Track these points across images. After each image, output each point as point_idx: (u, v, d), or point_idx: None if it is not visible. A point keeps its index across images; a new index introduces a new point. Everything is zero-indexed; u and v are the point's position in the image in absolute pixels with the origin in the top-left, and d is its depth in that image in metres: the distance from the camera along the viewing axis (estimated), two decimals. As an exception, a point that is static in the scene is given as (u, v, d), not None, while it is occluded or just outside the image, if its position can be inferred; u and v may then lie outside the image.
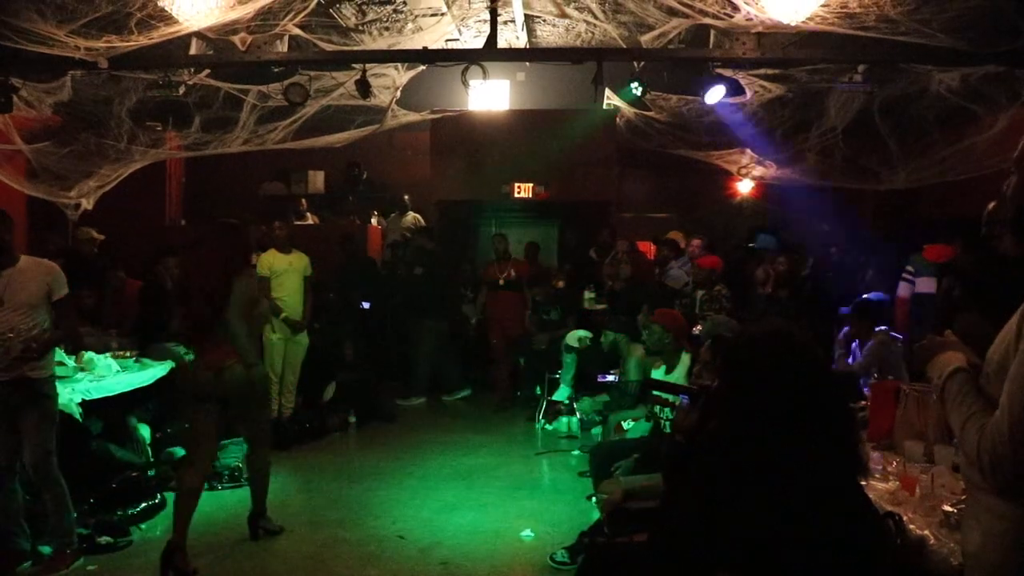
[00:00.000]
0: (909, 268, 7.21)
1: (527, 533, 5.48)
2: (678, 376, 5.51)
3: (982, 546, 2.21)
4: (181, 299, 5.22)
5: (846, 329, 6.62)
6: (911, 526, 2.98)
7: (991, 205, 5.39)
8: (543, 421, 8.49)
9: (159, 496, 5.85)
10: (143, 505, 5.68)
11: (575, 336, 8.37)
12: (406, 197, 11.60)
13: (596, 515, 5.08)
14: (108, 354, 6.43)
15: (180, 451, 6.54)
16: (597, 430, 7.59)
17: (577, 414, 8.19)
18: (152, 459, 6.39)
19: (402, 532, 5.51)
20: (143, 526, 5.55)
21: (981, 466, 2.12)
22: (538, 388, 8.90)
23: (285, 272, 8.01)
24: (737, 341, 2.43)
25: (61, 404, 4.98)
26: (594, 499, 5.37)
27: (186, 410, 5.46)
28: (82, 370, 5.98)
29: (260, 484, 5.50)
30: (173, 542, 4.71)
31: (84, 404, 5.44)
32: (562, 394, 8.44)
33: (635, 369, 7.39)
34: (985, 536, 2.20)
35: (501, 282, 9.79)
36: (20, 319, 4.57)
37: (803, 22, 6.33)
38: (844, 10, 6.01)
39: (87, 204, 9.03)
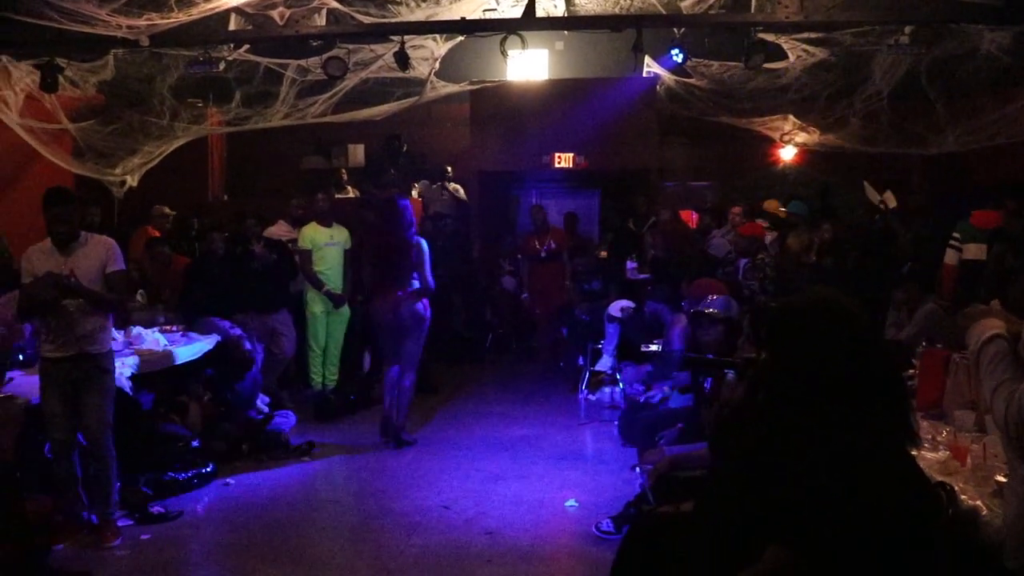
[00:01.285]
0: (956, 235, 7.05)
1: (571, 503, 5.50)
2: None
3: (1019, 515, 2.18)
4: (374, 256, 6.94)
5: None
6: (963, 496, 2.93)
7: None
8: (586, 391, 8.49)
9: (210, 466, 5.95)
10: (195, 479, 5.78)
11: (618, 306, 8.33)
12: (448, 168, 11.58)
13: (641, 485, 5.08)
14: (155, 328, 6.55)
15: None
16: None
17: (620, 384, 8.17)
18: (203, 433, 6.48)
19: (447, 502, 5.55)
20: (191, 498, 5.65)
21: (1008, 434, 2.09)
22: (581, 358, 8.89)
23: (327, 245, 8.05)
24: (783, 311, 2.39)
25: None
26: (638, 469, 5.37)
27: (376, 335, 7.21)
28: (131, 344, 6.10)
29: (404, 400, 6.74)
30: None
31: (133, 378, 5.56)
32: (605, 364, 8.42)
33: (678, 339, 7.34)
34: (1020, 506, 2.17)
35: (542, 254, 9.77)
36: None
37: (848, -17, 6.20)
38: (891, -31, 5.87)
39: (132, 181, 9.17)
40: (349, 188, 11.92)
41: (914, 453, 2.43)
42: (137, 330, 6.25)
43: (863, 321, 2.17)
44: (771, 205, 9.69)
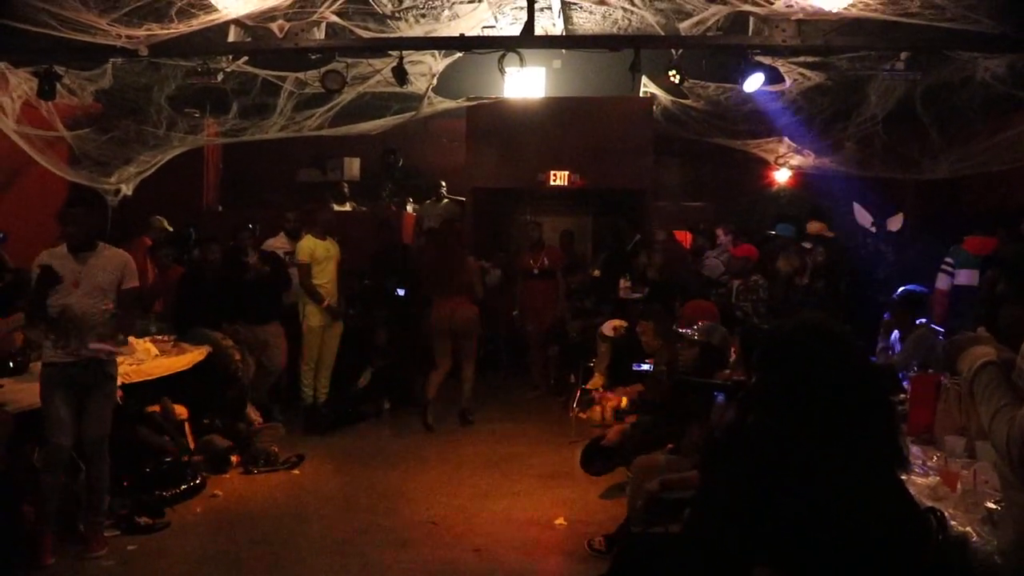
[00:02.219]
0: (949, 260, 7.08)
1: (560, 521, 5.48)
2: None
3: (1016, 543, 2.18)
4: (432, 270, 8.28)
5: (886, 316, 6.51)
6: (953, 522, 2.92)
7: None
8: (576, 410, 8.47)
9: (198, 478, 5.92)
10: (182, 487, 5.75)
11: (610, 325, 8.34)
12: (443, 184, 11.60)
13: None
14: (146, 338, 6.54)
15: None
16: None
17: (610, 403, 8.16)
18: (191, 446, 6.45)
19: (435, 518, 5.54)
20: (178, 510, 5.61)
21: (1011, 458, 2.09)
22: (572, 377, 8.88)
23: (325, 259, 8.03)
24: (773, 335, 2.39)
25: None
26: (626, 490, 5.35)
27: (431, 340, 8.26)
28: (121, 353, 6.07)
29: (468, 388, 8.19)
30: None
31: (123, 387, 5.53)
32: (596, 383, 8.41)
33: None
34: (1019, 533, 2.17)
35: (535, 271, 9.77)
36: (91, 303, 4.71)
37: (845, 8, 6.24)
38: (888, -4, 5.91)
39: (127, 190, 9.15)
40: (347, 203, 11.94)
41: (904, 478, 2.43)
42: (128, 339, 6.23)
43: (852, 345, 2.18)
44: (814, 227, 9.67)
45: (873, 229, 9.92)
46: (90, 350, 4.69)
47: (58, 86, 7.57)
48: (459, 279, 8.08)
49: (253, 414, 7.41)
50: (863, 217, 9.84)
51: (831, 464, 2.03)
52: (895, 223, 9.83)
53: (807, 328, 2.25)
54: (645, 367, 7.67)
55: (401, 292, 9.62)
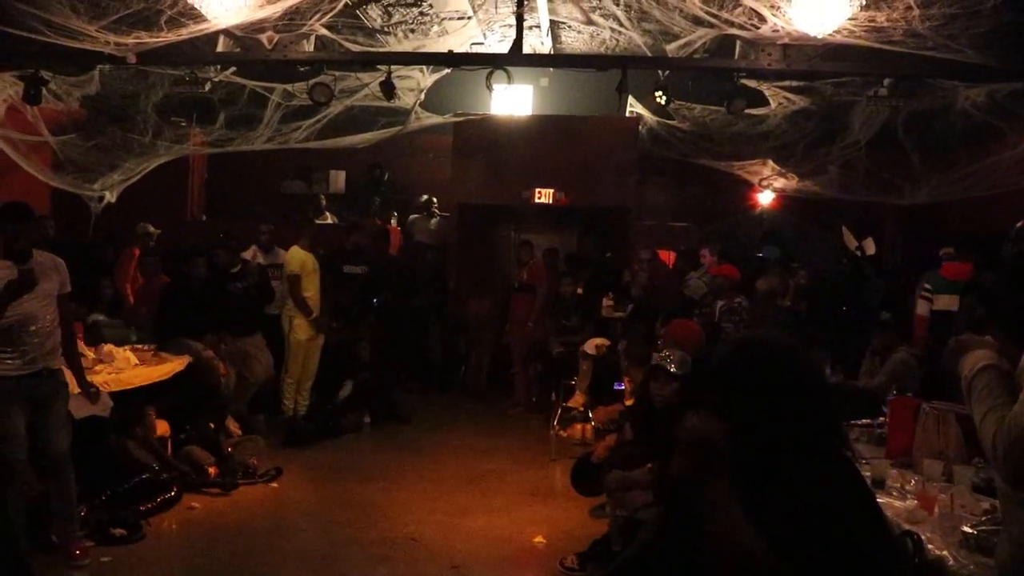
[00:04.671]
0: (927, 286, 7.15)
1: (539, 540, 5.47)
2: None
3: (1011, 556, 2.20)
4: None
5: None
6: (930, 546, 2.95)
7: (1021, 223, 5.34)
8: (557, 427, 8.47)
9: (174, 490, 5.87)
10: (158, 500, 5.68)
11: (592, 343, 8.35)
12: (434, 200, 11.61)
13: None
14: (127, 347, 6.49)
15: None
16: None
17: (592, 422, 8.16)
18: (169, 456, 6.38)
19: (414, 534, 5.51)
20: (154, 522, 5.55)
21: (995, 456, 2.11)
22: (553, 394, 8.88)
23: (314, 271, 8.01)
24: (710, 362, 2.36)
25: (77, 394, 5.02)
26: (606, 509, 5.34)
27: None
28: (100, 362, 6.03)
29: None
30: None
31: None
32: (577, 401, 8.42)
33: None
34: (1015, 546, 2.19)
35: (516, 285, 9.82)
36: (41, 310, 4.61)
37: (830, 35, 6.32)
38: (871, 24, 6.00)
39: (110, 197, 9.10)
40: (328, 214, 11.91)
41: (882, 501, 2.44)
42: (108, 348, 6.19)
43: (798, 362, 2.18)
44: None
45: (859, 252, 9.99)
46: (47, 358, 4.61)
47: (44, 91, 7.54)
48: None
49: (232, 426, 7.37)
50: (850, 240, 9.90)
51: (802, 491, 2.02)
52: (869, 247, 9.91)
53: (741, 347, 2.26)
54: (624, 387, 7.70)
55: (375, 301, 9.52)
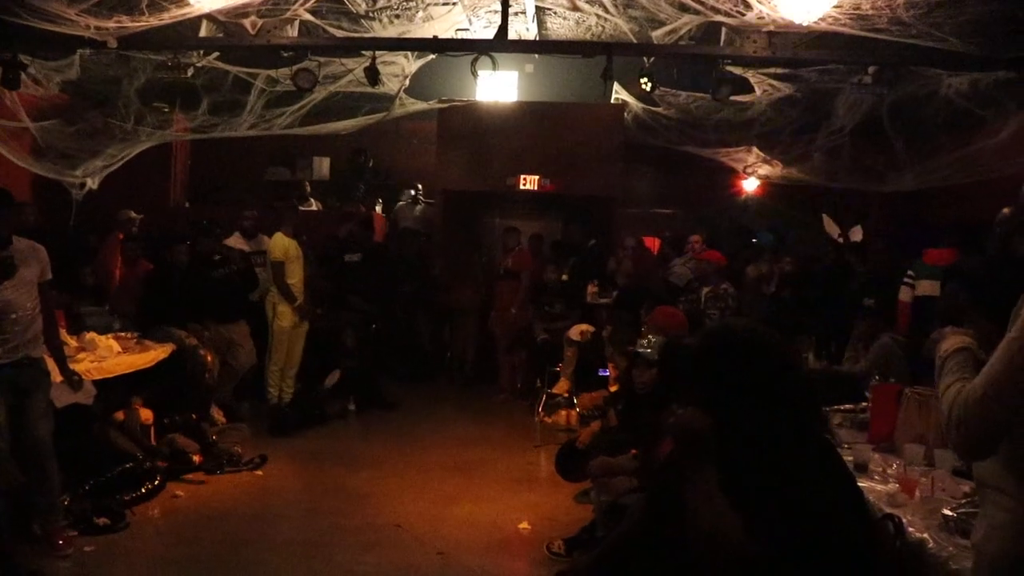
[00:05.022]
0: (910, 272, 7.19)
1: (524, 526, 5.49)
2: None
3: (985, 537, 2.24)
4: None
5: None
6: (910, 529, 2.98)
7: (1006, 210, 5.37)
8: (542, 414, 8.50)
9: (158, 478, 5.85)
10: (143, 489, 5.66)
11: (577, 330, 8.37)
12: (420, 187, 11.58)
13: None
14: (110, 335, 6.45)
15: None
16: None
17: (576, 408, 8.19)
18: (153, 444, 6.36)
19: (400, 522, 5.52)
20: (138, 510, 5.53)
21: (948, 423, 2.15)
22: (538, 381, 8.90)
23: (297, 258, 7.98)
24: (695, 351, 2.36)
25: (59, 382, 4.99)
26: (590, 494, 5.36)
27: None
28: (83, 350, 5.99)
29: None
30: None
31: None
32: (562, 387, 8.44)
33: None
34: (989, 528, 2.23)
35: (501, 271, 9.82)
36: (21, 298, 4.57)
37: (815, 22, 6.32)
38: (856, 11, 6.00)
39: (92, 184, 9.01)
40: (312, 201, 11.86)
41: (864, 485, 2.46)
42: (91, 336, 6.15)
43: (770, 349, 2.19)
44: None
45: (841, 240, 10.05)
46: (29, 347, 4.58)
47: (23, 75, 7.44)
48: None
49: (217, 414, 7.35)
50: (831, 228, 9.96)
51: (781, 475, 2.03)
52: (856, 234, 9.96)
53: (716, 335, 2.27)
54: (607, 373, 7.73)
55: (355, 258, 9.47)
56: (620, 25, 7.60)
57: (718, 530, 1.97)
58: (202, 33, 7.00)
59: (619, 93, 9.79)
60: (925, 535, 2.92)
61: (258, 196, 11.20)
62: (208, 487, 6.12)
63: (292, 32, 7.05)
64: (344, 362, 8.68)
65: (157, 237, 8.64)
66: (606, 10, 7.43)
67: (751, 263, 8.82)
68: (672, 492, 2.15)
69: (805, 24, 6.38)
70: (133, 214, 8.74)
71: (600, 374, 7.90)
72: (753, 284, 8.27)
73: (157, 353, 6.51)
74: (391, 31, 7.87)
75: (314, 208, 11.70)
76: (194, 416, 6.76)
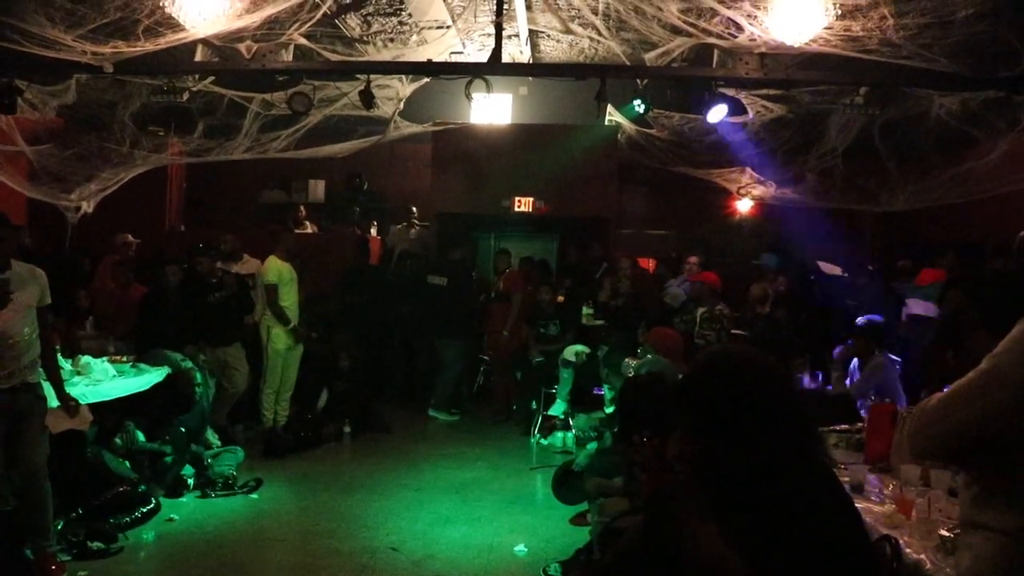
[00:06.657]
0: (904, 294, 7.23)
1: (520, 548, 5.46)
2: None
3: (971, 568, 2.22)
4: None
5: (839, 349, 6.59)
6: (907, 550, 2.97)
7: None
8: (538, 436, 8.47)
9: (153, 501, 5.81)
10: (136, 513, 5.62)
11: (572, 351, 8.36)
12: (414, 209, 11.60)
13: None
14: (105, 358, 6.43)
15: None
16: (593, 445, 7.56)
17: (572, 430, 8.17)
18: (146, 466, 6.32)
19: (395, 544, 5.49)
20: (132, 534, 5.49)
21: (908, 424, 2.16)
22: (534, 402, 8.88)
23: (291, 281, 7.98)
24: (689, 379, 2.35)
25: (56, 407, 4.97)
26: (587, 517, 5.35)
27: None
28: (78, 374, 5.97)
29: None
30: None
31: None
32: (558, 409, 8.42)
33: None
34: (975, 559, 2.21)
35: (492, 294, 9.81)
36: (19, 323, 4.55)
37: (806, 44, 6.38)
38: (847, 33, 6.06)
39: (87, 207, 9.02)
40: (307, 224, 11.87)
41: (861, 506, 2.46)
42: (86, 359, 6.13)
43: (763, 372, 2.19)
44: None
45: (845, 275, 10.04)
46: (26, 372, 4.56)
47: (19, 100, 7.47)
48: None
49: (211, 437, 7.32)
50: (831, 270, 9.93)
51: (778, 497, 2.03)
52: (830, 270, 9.94)
53: (716, 360, 2.26)
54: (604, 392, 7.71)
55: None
56: (613, 47, 7.67)
57: (716, 556, 1.97)
58: (198, 57, 7.04)
59: (612, 115, 9.85)
60: (922, 556, 2.91)
61: (254, 218, 11.21)
62: (203, 511, 6.08)
63: (287, 56, 7.10)
64: (337, 384, 8.66)
65: (150, 259, 8.63)
66: (599, 33, 7.50)
67: (753, 283, 8.81)
68: (668, 518, 2.14)
69: (796, 45, 6.44)
70: (131, 238, 8.74)
71: (595, 392, 7.89)
72: (754, 304, 8.28)
73: (152, 377, 6.48)
74: (385, 55, 7.94)
75: (310, 231, 11.72)
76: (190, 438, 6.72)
